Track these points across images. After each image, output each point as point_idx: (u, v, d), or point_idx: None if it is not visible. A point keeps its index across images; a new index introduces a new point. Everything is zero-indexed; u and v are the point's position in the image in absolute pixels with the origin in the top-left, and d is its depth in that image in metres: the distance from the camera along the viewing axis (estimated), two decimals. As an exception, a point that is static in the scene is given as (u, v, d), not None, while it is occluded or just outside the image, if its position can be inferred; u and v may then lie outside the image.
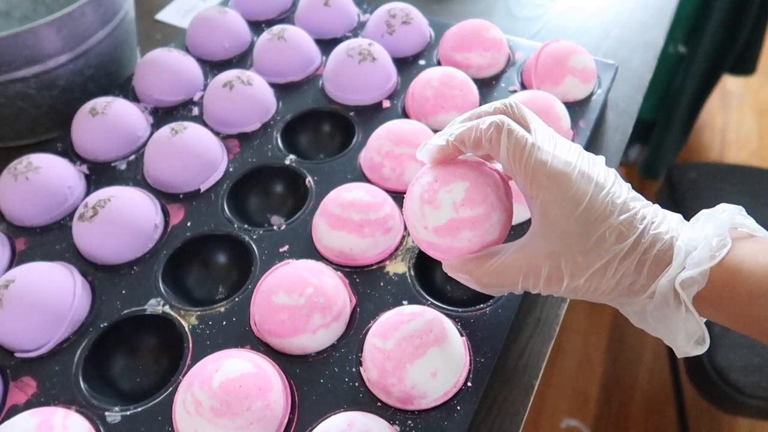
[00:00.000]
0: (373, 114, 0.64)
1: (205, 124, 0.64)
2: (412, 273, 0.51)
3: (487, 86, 0.66)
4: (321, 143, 0.66)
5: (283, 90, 0.68)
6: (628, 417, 1.33)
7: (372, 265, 0.51)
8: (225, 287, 0.55)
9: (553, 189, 0.34)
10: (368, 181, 0.57)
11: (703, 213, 0.35)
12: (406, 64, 0.70)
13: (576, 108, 0.62)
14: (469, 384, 0.44)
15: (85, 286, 0.51)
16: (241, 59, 0.73)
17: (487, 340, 0.46)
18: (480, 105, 0.63)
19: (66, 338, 0.48)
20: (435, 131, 0.57)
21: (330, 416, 0.42)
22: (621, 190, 0.35)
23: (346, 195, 0.51)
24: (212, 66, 0.72)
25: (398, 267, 0.51)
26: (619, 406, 1.34)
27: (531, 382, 0.49)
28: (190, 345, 0.47)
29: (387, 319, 0.45)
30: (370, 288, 0.50)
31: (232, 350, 0.45)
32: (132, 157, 0.62)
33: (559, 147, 0.35)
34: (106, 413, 0.44)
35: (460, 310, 0.48)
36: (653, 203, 0.36)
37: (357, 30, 0.75)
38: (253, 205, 0.60)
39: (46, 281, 0.48)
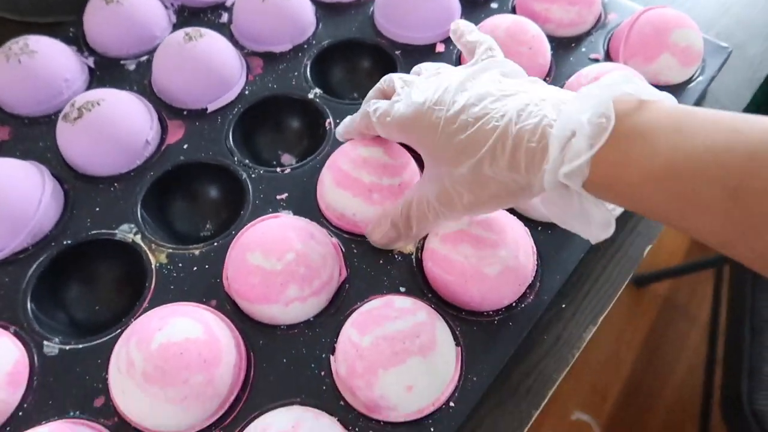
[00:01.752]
0: (422, 57, 0.55)
1: (231, 36, 0.56)
2: (419, 257, 0.43)
3: (564, 48, 0.55)
4: (356, 81, 0.57)
5: (326, 10, 0.59)
6: (644, 426, 1.24)
7: (375, 235, 0.44)
8: (213, 225, 0.49)
9: (408, 133, 0.37)
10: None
11: (584, 88, 0.31)
12: (475, 5, 0.59)
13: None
14: (452, 404, 0.37)
15: (56, 195, 0.45)
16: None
17: (486, 355, 0.39)
18: (550, 71, 0.53)
19: (24, 248, 0.43)
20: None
21: (280, 407, 0.36)
22: (463, 96, 0.35)
23: (361, 150, 0.43)
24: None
25: (405, 248, 0.43)
26: (636, 413, 1.26)
27: (529, 412, 0.41)
28: (152, 286, 0.42)
29: (372, 308, 0.38)
30: (368, 264, 0.43)
31: (189, 306, 0.39)
32: (144, 58, 0.55)
33: (414, 94, 0.37)
34: (45, 342, 0.39)
35: (464, 312, 0.40)
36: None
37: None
38: (264, 138, 0.53)
39: (12, 182, 0.43)
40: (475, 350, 0.39)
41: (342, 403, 0.37)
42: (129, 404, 0.35)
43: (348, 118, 0.44)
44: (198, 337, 0.36)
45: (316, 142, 0.50)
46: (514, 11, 0.58)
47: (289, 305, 0.39)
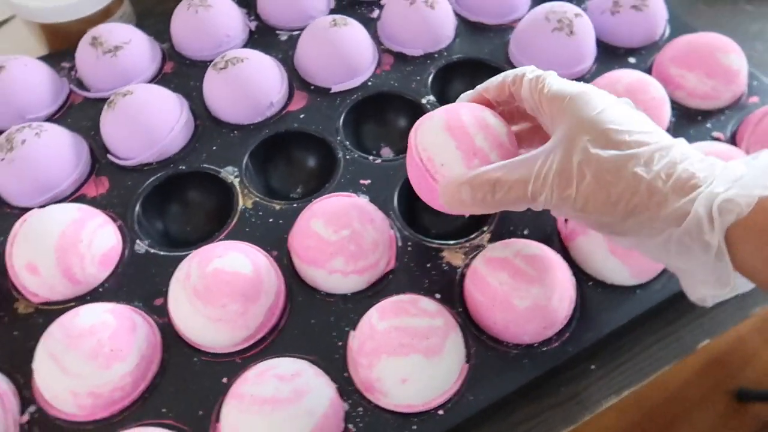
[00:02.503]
0: (542, 92, 0.56)
1: (375, 30, 0.61)
2: (464, 272, 0.45)
3: (688, 119, 0.53)
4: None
5: (468, 27, 0.62)
6: None
7: (432, 239, 0.46)
8: (303, 190, 0.55)
9: (559, 109, 0.34)
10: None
11: (743, 158, 0.32)
12: (612, 55, 0.58)
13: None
14: (441, 412, 0.39)
15: (187, 127, 0.53)
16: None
17: (491, 381, 0.40)
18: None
19: (149, 162, 0.52)
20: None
21: (292, 356, 0.41)
22: (640, 123, 0.33)
23: (488, 114, 0.39)
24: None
25: (456, 258, 0.46)
26: None
27: (518, 452, 0.41)
28: (233, 223, 0.48)
29: (398, 300, 0.41)
30: (416, 263, 0.46)
31: (252, 248, 0.44)
32: (296, 33, 0.61)
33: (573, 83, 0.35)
34: (138, 241, 0.47)
35: (485, 336, 0.42)
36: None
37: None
38: (372, 128, 0.57)
39: (157, 106, 0.51)
40: (483, 373, 0.40)
41: (346, 375, 0.40)
42: (177, 310, 0.42)
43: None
44: (247, 274, 0.41)
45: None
46: (650, 71, 0.57)
47: (332, 275, 0.43)
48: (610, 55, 0.58)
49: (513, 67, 0.57)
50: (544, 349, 0.41)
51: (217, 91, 0.54)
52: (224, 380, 0.40)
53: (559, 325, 0.41)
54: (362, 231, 0.43)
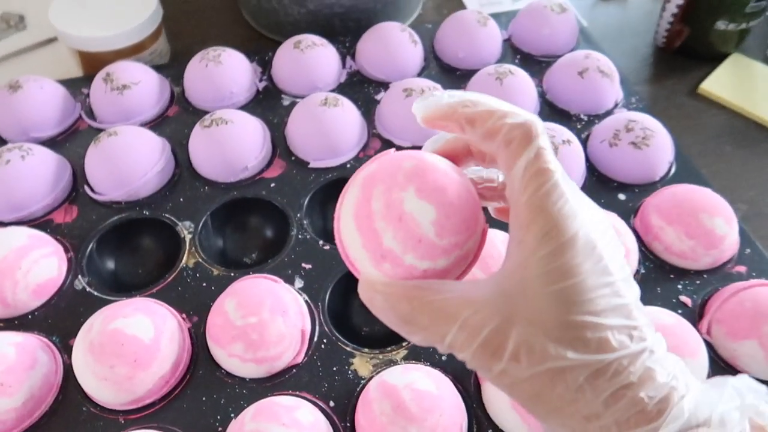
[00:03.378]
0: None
1: (374, 113, 0.62)
2: (364, 387, 0.43)
3: (659, 272, 0.50)
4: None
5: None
6: None
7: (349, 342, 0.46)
8: (258, 256, 0.55)
9: (550, 246, 0.24)
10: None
11: (723, 379, 0.25)
12: (603, 188, 0.56)
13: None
14: None
15: (164, 172, 0.55)
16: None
17: None
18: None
19: (118, 201, 0.54)
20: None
21: (170, 429, 0.41)
22: (629, 292, 0.25)
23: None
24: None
25: (364, 368, 0.45)
26: None
27: None
28: (169, 279, 0.49)
29: (277, 404, 0.40)
30: (324, 363, 0.45)
31: (170, 311, 0.45)
32: (299, 100, 0.63)
33: (584, 206, 0.25)
34: (79, 276, 0.50)
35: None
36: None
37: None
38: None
39: (138, 148, 0.54)
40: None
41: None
42: (75, 358, 0.43)
43: (439, 94, 0.28)
44: (144, 340, 0.42)
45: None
46: (636, 212, 0.53)
47: (231, 358, 0.43)
48: (602, 187, 0.56)
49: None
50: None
51: (198, 146, 0.56)
52: (103, 437, 0.41)
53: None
54: (270, 322, 0.43)
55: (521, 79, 0.60)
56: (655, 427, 0.23)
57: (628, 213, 0.54)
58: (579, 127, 0.61)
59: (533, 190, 0.24)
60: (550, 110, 0.63)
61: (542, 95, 0.64)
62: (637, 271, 0.49)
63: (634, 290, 0.25)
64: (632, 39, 0.77)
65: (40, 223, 0.53)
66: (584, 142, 0.59)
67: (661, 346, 0.25)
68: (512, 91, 0.59)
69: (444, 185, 0.26)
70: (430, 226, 0.26)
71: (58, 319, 0.47)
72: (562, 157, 0.52)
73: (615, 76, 0.62)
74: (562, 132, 0.54)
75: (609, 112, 0.62)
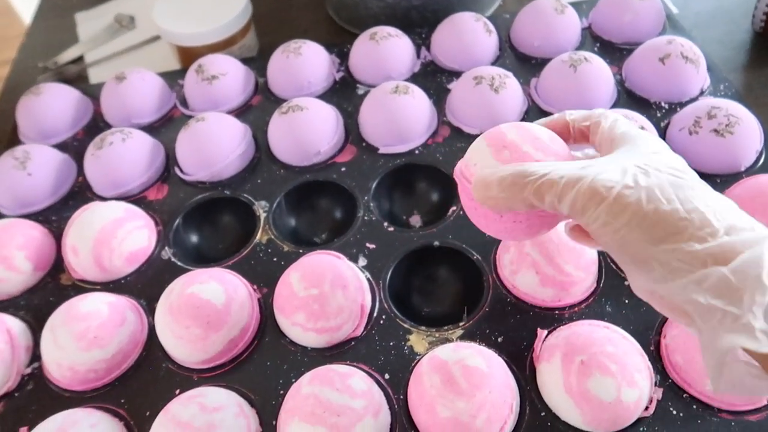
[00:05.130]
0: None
1: (445, 101, 0.63)
2: (419, 362, 0.44)
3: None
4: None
5: (538, 115, 0.60)
6: None
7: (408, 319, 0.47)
8: (328, 236, 0.58)
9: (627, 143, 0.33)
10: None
11: None
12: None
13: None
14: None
15: (245, 155, 0.60)
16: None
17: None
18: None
19: (203, 182, 0.59)
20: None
21: (237, 389, 0.44)
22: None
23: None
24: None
25: (420, 345, 0.46)
26: None
27: None
28: (244, 253, 0.53)
29: (332, 370, 0.42)
30: (381, 338, 0.46)
31: (242, 282, 0.49)
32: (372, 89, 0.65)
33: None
34: (166, 247, 0.54)
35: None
36: None
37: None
38: (406, 195, 0.59)
39: (222, 133, 0.58)
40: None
41: (274, 422, 0.43)
42: (157, 319, 0.47)
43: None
44: (216, 304, 0.45)
45: (441, 217, 0.54)
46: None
47: (293, 327, 0.46)
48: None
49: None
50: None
51: (275, 132, 0.59)
52: (177, 391, 0.45)
53: (482, 449, 0.40)
54: (330, 294, 0.45)
55: (597, 66, 0.59)
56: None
57: (707, 203, 0.51)
58: (659, 115, 0.59)
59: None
60: (629, 98, 0.61)
61: (621, 83, 0.62)
62: (712, 263, 0.47)
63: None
64: (727, 25, 0.73)
65: (136, 199, 0.59)
66: (663, 131, 0.57)
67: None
68: (587, 78, 0.58)
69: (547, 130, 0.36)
70: (544, 134, 0.35)
71: (145, 285, 0.52)
72: (705, 143, 0.51)
73: (701, 62, 0.59)
74: (636, 119, 0.52)
75: (693, 100, 0.59)
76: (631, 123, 0.36)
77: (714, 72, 0.62)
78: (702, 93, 0.60)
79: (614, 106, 0.60)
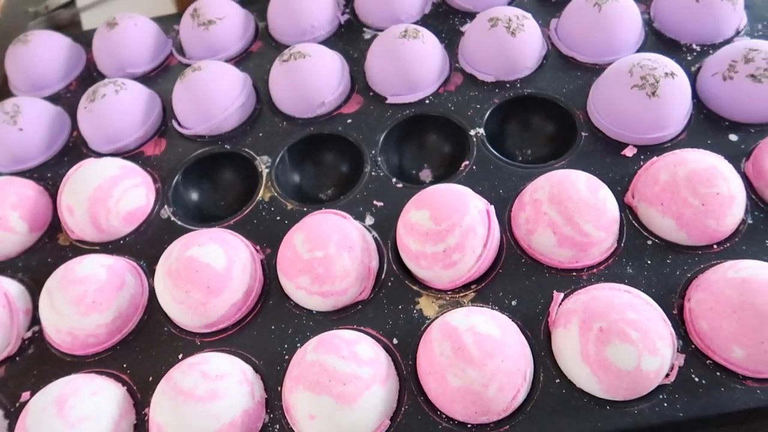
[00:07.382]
0: (606, 148, 0.49)
1: (457, 46, 0.58)
2: (429, 327, 0.43)
3: (771, 225, 0.44)
4: (529, 139, 0.55)
5: (557, 59, 0.56)
6: None
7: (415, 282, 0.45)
8: (334, 192, 0.55)
9: None
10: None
11: None
12: (712, 127, 0.49)
13: None
14: None
15: (245, 107, 0.56)
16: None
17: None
18: (727, 240, 0.43)
19: (202, 135, 0.56)
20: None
21: (240, 354, 0.43)
22: None
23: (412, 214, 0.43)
24: None
25: (429, 308, 0.44)
26: None
27: None
28: (246, 211, 0.51)
29: (338, 336, 0.40)
30: (390, 301, 0.44)
31: (243, 242, 0.47)
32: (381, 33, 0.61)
33: None
34: (165, 206, 0.52)
35: (426, 404, 0.40)
36: None
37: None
38: (415, 148, 0.56)
39: (220, 83, 0.55)
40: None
41: (279, 388, 0.41)
42: (156, 282, 0.45)
43: None
44: (216, 268, 0.43)
45: (452, 172, 0.51)
46: (749, 156, 0.47)
47: (298, 290, 0.44)
48: (710, 126, 0.49)
49: (586, 116, 0.51)
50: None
51: (277, 81, 0.56)
52: (180, 356, 0.44)
53: (495, 415, 0.38)
54: (335, 257, 0.43)
55: (624, 4, 0.54)
56: None
57: (739, 156, 0.47)
58: (689, 59, 0.54)
59: None
60: (657, 40, 0.56)
61: (649, 23, 0.57)
62: (744, 221, 0.44)
63: None
64: (767, -44, 0.67)
65: (133, 155, 0.56)
66: (693, 76, 0.52)
67: None
68: (611, 18, 0.53)
69: None
70: None
71: (145, 246, 0.50)
72: (662, 93, 0.47)
73: (738, -1, 0.54)
74: (665, 64, 0.48)
75: (728, 41, 0.54)
76: None
77: (752, 9, 0.56)
78: (738, 33, 0.55)
79: (641, 49, 0.55)
